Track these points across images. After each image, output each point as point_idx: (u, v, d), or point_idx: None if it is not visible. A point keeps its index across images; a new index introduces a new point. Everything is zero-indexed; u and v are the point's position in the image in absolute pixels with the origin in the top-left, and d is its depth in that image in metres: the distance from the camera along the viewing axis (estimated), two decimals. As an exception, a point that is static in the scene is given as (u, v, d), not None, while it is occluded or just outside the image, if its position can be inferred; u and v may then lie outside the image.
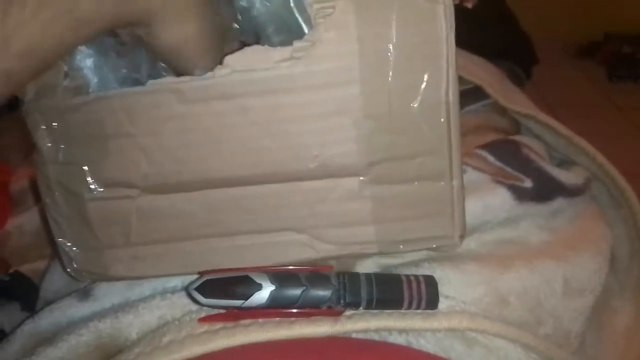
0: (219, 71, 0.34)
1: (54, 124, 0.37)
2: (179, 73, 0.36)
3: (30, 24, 0.28)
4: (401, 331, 0.36)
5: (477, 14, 0.99)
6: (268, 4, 0.37)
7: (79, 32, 0.30)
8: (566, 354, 0.39)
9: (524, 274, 0.40)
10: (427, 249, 0.40)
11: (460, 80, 0.59)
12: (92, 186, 0.38)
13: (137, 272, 0.40)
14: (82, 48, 0.37)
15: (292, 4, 0.36)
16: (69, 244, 0.40)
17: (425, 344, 0.36)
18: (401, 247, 0.38)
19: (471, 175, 0.46)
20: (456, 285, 0.39)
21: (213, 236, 0.39)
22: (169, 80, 0.35)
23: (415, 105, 0.35)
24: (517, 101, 0.60)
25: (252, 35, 0.39)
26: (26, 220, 0.59)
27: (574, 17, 2.34)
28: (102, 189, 0.38)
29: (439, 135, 0.35)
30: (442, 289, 0.38)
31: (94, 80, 0.38)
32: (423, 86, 0.34)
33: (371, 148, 0.36)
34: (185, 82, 0.35)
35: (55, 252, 0.41)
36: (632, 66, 2.14)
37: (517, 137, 0.54)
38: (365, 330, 0.36)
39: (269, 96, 0.35)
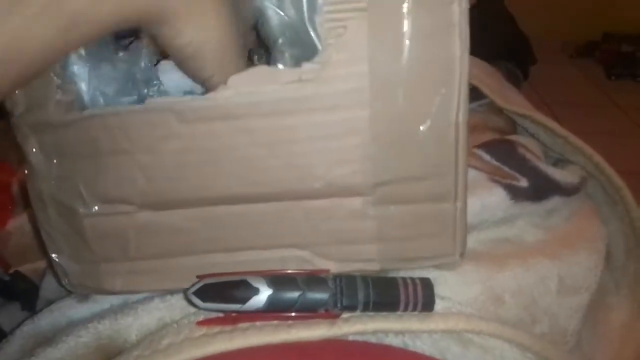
0: (222, 92, 0.33)
1: (46, 138, 0.36)
2: (194, 80, 0.35)
3: (8, 21, 0.24)
4: (397, 333, 0.37)
5: (475, 15, 1.00)
6: (282, 14, 0.36)
7: (71, 34, 0.26)
8: (562, 352, 0.40)
9: (518, 273, 0.41)
10: (427, 266, 0.39)
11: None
12: (87, 202, 0.37)
13: (135, 286, 0.39)
14: (74, 59, 0.36)
15: (306, 17, 0.35)
16: (63, 258, 0.39)
17: (422, 346, 0.37)
18: (402, 265, 0.38)
19: (468, 174, 0.46)
20: (452, 285, 0.39)
21: (214, 252, 0.38)
22: (168, 99, 0.34)
23: (424, 128, 0.34)
24: (514, 101, 0.60)
25: (262, 46, 0.38)
26: (27, 221, 0.60)
27: (573, 17, 2.34)
28: (98, 205, 0.37)
29: (446, 157, 0.35)
30: (438, 289, 0.38)
31: (87, 92, 0.37)
32: (434, 109, 0.33)
33: (377, 169, 0.35)
34: (185, 102, 0.34)
35: (49, 265, 0.41)
36: (631, 65, 2.15)
37: (513, 137, 0.54)
38: (362, 333, 0.36)
39: (274, 118, 0.34)
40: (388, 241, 0.37)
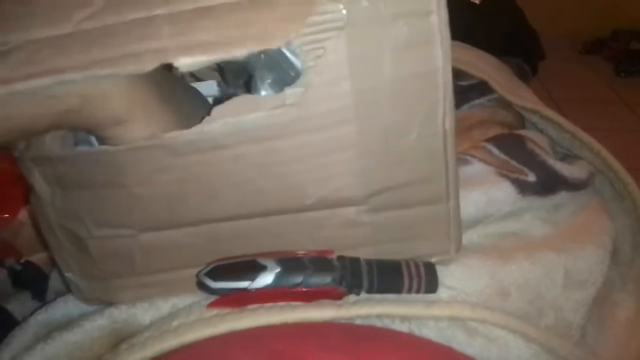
0: (209, 124, 0.33)
1: (47, 170, 0.37)
2: None
3: None
4: (404, 319, 0.37)
5: (485, 10, 0.99)
6: None
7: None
8: (567, 344, 0.40)
9: (524, 266, 0.41)
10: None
11: (467, 75, 0.60)
12: (90, 228, 0.38)
13: (145, 297, 0.40)
14: None
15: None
16: (75, 276, 0.41)
17: (428, 333, 0.37)
18: None
19: (476, 167, 0.46)
20: (458, 277, 0.39)
21: None
22: (157, 137, 0.34)
23: (411, 138, 0.34)
24: (523, 96, 0.60)
25: (241, 74, 0.38)
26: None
27: (582, 13, 2.33)
28: (100, 231, 0.38)
29: (436, 163, 0.35)
30: (445, 280, 0.38)
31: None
32: (419, 119, 0.34)
33: (368, 181, 0.36)
34: (173, 137, 0.33)
35: (59, 273, 0.42)
36: (641, 62, 2.13)
37: (522, 132, 0.54)
38: (369, 316, 0.37)
39: (262, 143, 0.34)
40: (384, 244, 0.38)
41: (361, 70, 0.32)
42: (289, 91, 0.32)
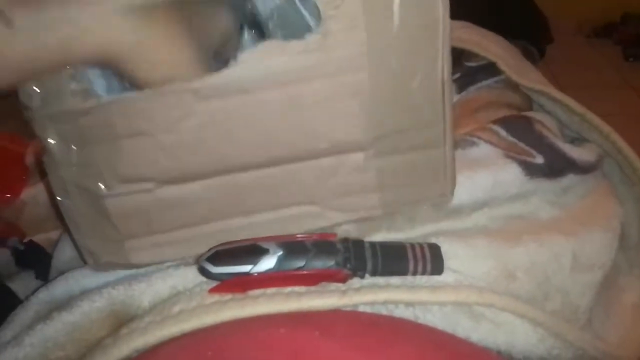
0: (235, 68, 0.35)
1: (64, 127, 0.37)
2: None
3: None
4: (408, 305, 0.37)
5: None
6: None
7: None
8: (574, 329, 0.40)
9: (532, 249, 0.40)
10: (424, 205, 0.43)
11: (475, 56, 0.59)
12: (109, 184, 0.38)
13: (160, 257, 0.41)
14: None
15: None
16: (88, 240, 0.40)
17: (432, 319, 0.37)
18: (402, 208, 0.42)
19: (483, 148, 0.46)
20: (464, 260, 0.39)
21: (231, 217, 0.40)
22: (184, 81, 0.35)
23: (414, 85, 0.37)
24: (531, 78, 0.59)
25: (255, 29, 0.40)
26: (41, 191, 0.60)
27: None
28: (119, 186, 0.38)
29: (434, 108, 0.38)
30: (450, 263, 0.38)
31: (100, 82, 0.38)
32: (422, 66, 0.37)
33: (376, 125, 0.38)
34: (201, 80, 0.35)
35: (71, 238, 0.41)
36: (650, 47, 2.11)
37: (530, 113, 0.53)
38: (373, 303, 0.36)
39: (285, 87, 0.36)
40: (388, 189, 0.41)
41: (374, 20, 0.35)
42: (311, 37, 0.35)
